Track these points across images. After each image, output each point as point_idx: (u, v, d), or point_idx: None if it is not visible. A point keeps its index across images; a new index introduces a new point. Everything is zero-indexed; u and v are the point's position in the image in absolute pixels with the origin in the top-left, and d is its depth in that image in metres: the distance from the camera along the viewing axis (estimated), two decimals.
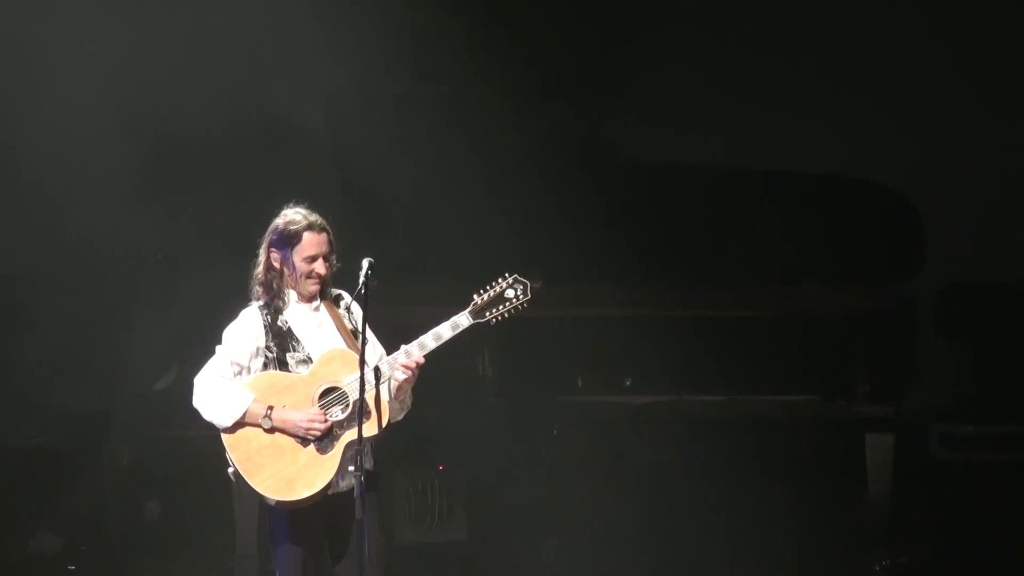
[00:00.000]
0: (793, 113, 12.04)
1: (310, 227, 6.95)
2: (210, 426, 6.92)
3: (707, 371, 9.45)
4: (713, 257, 10.11)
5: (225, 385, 6.93)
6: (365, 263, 6.91)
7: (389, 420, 6.89)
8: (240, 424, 6.89)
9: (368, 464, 6.83)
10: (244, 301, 7.19)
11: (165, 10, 12.14)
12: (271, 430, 6.85)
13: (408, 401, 6.96)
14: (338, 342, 6.95)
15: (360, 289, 6.89)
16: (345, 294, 7.06)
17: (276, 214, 7.06)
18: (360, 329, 6.85)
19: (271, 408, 6.84)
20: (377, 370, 6.81)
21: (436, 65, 12.95)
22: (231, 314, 7.18)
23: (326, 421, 6.81)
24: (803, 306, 9.76)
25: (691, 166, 10.36)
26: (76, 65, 11.91)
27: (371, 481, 6.84)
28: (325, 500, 6.83)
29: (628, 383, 9.50)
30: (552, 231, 10.04)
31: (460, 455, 10.41)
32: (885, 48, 12.19)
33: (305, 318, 7.01)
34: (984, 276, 11.66)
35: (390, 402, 6.90)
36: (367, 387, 6.75)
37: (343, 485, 6.87)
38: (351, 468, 6.73)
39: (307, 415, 6.83)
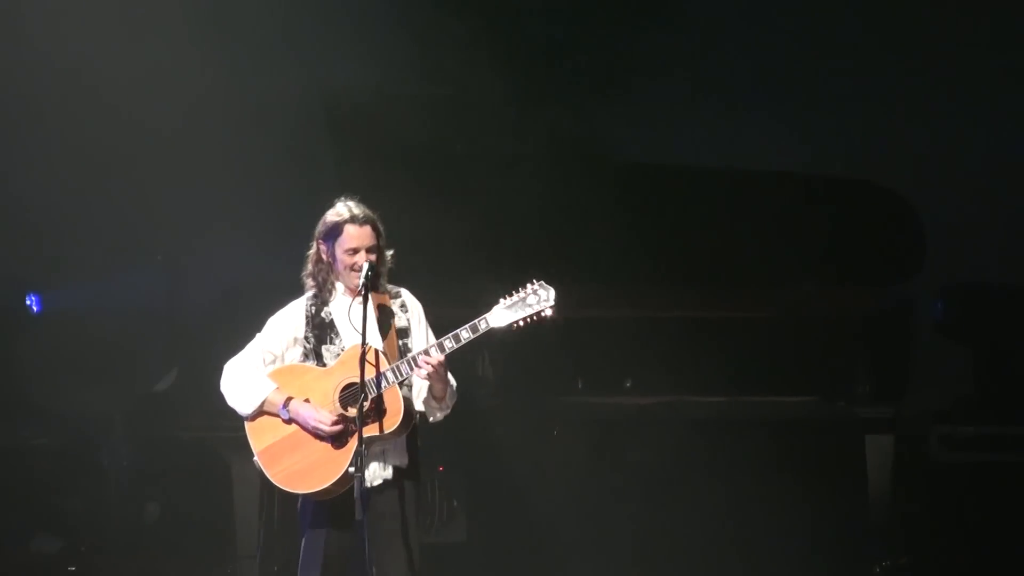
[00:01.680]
0: (793, 114, 12.03)
1: (352, 220, 6.95)
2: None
3: (707, 372, 9.44)
4: (714, 258, 10.10)
5: (250, 373, 6.98)
6: (365, 265, 6.95)
7: (431, 417, 6.96)
8: (261, 413, 6.94)
9: (400, 460, 6.90)
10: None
11: (169, 8, 12.14)
12: (288, 421, 6.91)
13: (449, 400, 6.97)
14: (374, 337, 6.96)
15: (360, 290, 6.90)
16: (403, 291, 7.07)
17: (329, 206, 7.06)
18: (408, 326, 6.91)
19: (289, 399, 6.87)
20: (397, 369, 6.81)
21: (438, 66, 12.95)
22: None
23: (334, 424, 6.82)
24: (803, 307, 9.75)
25: (691, 167, 10.36)
26: (73, 70, 11.91)
27: (406, 476, 6.90)
28: (348, 494, 6.83)
29: (628, 384, 9.50)
30: (552, 233, 10.04)
31: (460, 455, 10.41)
32: (885, 49, 12.18)
33: (350, 311, 7.01)
34: (983, 277, 11.67)
35: (427, 400, 6.95)
36: (384, 385, 6.78)
37: (370, 478, 6.88)
38: (351, 469, 6.75)
39: (316, 414, 6.85)
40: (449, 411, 7.01)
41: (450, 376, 6.97)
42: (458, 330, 6.82)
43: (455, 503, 10.47)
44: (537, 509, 10.83)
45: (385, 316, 6.99)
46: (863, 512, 9.56)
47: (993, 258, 12.10)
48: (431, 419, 7.00)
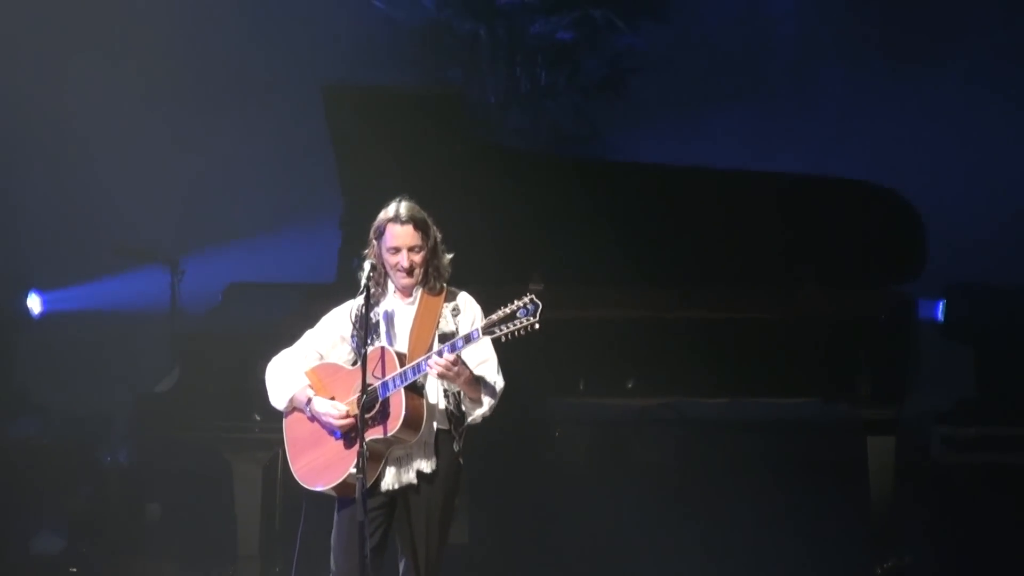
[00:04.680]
0: (794, 115, 12.03)
1: (394, 219, 6.95)
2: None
3: (709, 373, 9.43)
4: (715, 259, 10.09)
5: (288, 368, 7.03)
6: (367, 265, 6.97)
7: (468, 417, 6.97)
8: (292, 409, 7.02)
9: (427, 466, 6.94)
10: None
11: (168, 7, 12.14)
12: (311, 419, 6.95)
13: (487, 400, 6.96)
14: (403, 339, 6.96)
15: (362, 291, 6.93)
16: (462, 295, 7.06)
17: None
18: (456, 330, 6.91)
19: (312, 398, 6.92)
20: (403, 374, 6.81)
21: (438, 65, 12.95)
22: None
23: (344, 417, 6.85)
24: (805, 308, 9.74)
25: (693, 168, 10.34)
26: (73, 68, 11.91)
27: (430, 482, 6.94)
28: (374, 493, 6.89)
29: (630, 385, 9.48)
30: (553, 233, 10.03)
31: (462, 459, 10.39)
32: (885, 49, 12.19)
33: (396, 312, 7.03)
34: (985, 278, 11.67)
35: (463, 401, 6.97)
36: (394, 388, 6.81)
37: (390, 483, 6.93)
38: (352, 470, 6.79)
39: (330, 410, 6.89)
40: (488, 411, 6.99)
41: (495, 375, 6.99)
42: (455, 339, 6.82)
43: (457, 503, 10.46)
44: (539, 510, 10.83)
45: (428, 319, 6.99)
46: (864, 512, 9.55)
47: (994, 258, 12.10)
48: (469, 419, 7.01)
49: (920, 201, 10.06)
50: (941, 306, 11.48)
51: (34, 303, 11.93)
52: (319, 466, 6.94)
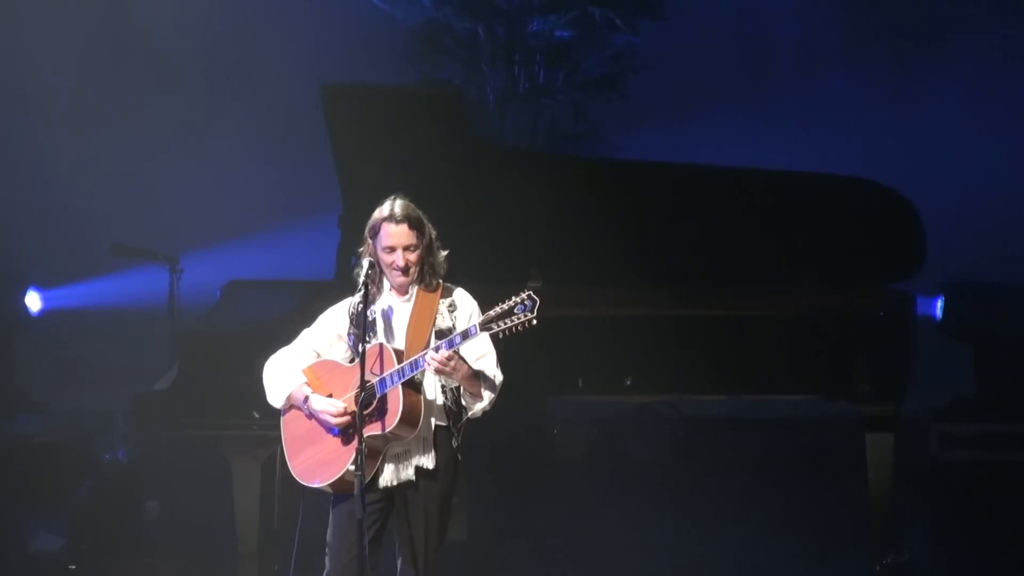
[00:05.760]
0: (794, 113, 12.04)
1: (389, 218, 6.96)
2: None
3: (708, 370, 9.43)
4: (714, 256, 10.10)
5: (286, 366, 7.05)
6: (365, 262, 6.99)
7: (469, 411, 7.00)
8: (289, 406, 7.03)
9: (426, 462, 6.95)
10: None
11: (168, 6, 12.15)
12: (309, 416, 6.97)
13: (487, 394, 6.99)
14: (400, 336, 6.98)
15: (359, 288, 6.94)
16: (458, 291, 7.08)
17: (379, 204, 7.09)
18: (453, 327, 6.93)
19: (309, 395, 6.94)
20: (401, 371, 6.83)
21: (436, 64, 12.95)
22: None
23: (339, 415, 6.87)
24: (804, 305, 9.74)
25: (692, 166, 10.35)
26: (73, 67, 11.91)
27: (430, 478, 6.96)
28: (372, 490, 6.92)
29: (628, 382, 9.49)
30: (551, 230, 10.04)
31: (461, 454, 10.40)
32: (886, 49, 12.20)
33: (392, 309, 7.05)
34: (984, 275, 11.68)
35: (463, 394, 6.99)
36: (392, 384, 6.83)
37: (388, 479, 6.95)
38: (351, 467, 6.80)
39: (327, 404, 6.91)
40: (488, 405, 7.02)
41: (494, 369, 7.01)
42: (453, 335, 6.85)
43: (455, 502, 10.47)
44: (538, 507, 10.83)
45: (424, 315, 7.01)
46: (863, 509, 9.56)
47: (991, 256, 12.12)
48: (469, 413, 7.04)
49: (919, 199, 10.06)
50: (939, 303, 11.51)
51: (33, 301, 11.95)
52: (317, 463, 6.95)
